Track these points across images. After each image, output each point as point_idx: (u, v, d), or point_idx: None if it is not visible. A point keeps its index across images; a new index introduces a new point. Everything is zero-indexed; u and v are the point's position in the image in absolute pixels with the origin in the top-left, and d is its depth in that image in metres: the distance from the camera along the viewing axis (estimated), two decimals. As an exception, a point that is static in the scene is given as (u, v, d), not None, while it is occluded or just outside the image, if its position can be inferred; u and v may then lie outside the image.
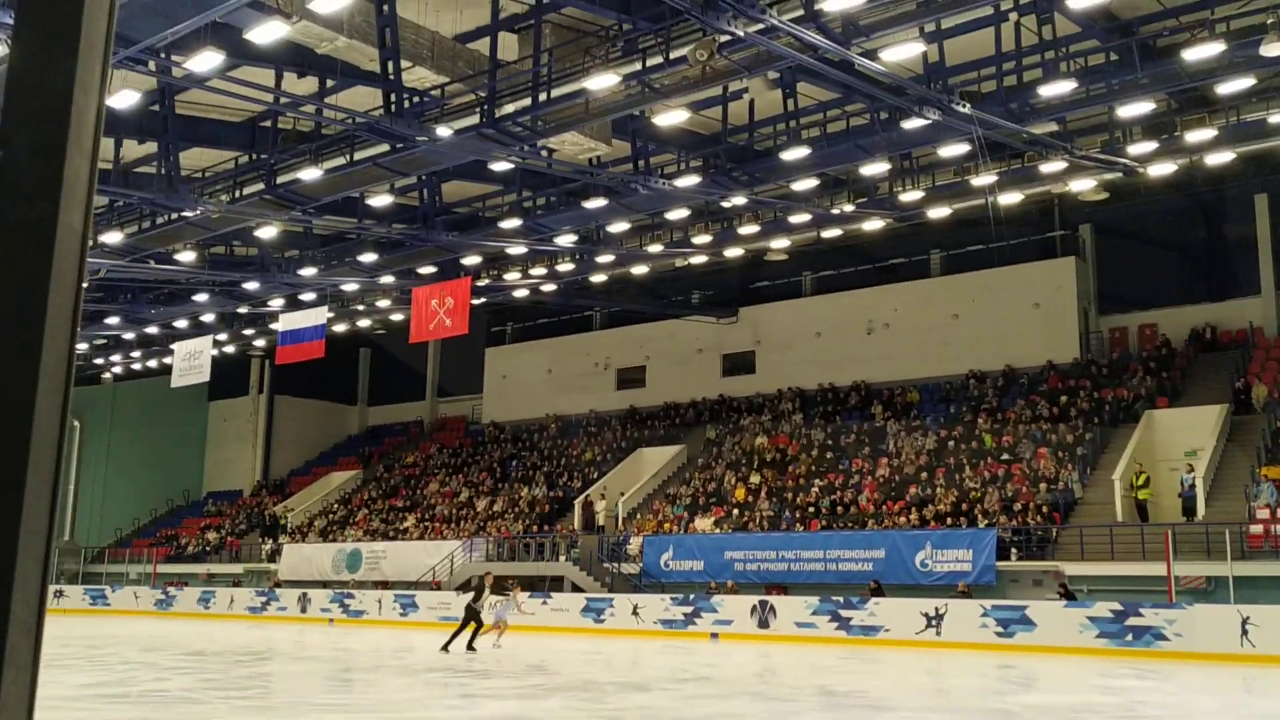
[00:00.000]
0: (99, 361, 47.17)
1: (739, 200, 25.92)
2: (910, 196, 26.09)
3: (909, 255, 37.15)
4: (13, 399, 1.36)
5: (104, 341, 43.18)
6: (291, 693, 16.78)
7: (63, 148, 1.43)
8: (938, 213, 26.85)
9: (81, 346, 42.86)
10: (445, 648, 21.12)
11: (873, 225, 28.31)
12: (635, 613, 27.90)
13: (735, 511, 31.84)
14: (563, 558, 32.45)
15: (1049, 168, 23.92)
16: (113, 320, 38.00)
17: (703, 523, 31.71)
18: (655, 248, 30.75)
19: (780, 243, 30.51)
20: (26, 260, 1.41)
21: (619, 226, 28.63)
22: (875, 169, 24.43)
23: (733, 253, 31.40)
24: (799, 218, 27.64)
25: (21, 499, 1.31)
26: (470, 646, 21.23)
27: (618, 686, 16.71)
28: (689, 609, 27.21)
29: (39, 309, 1.39)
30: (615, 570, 31.40)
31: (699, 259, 32.49)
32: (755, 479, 33.22)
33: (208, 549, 45.17)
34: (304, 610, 35.35)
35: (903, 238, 33.92)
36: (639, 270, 33.62)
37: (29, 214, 1.42)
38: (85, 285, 1.46)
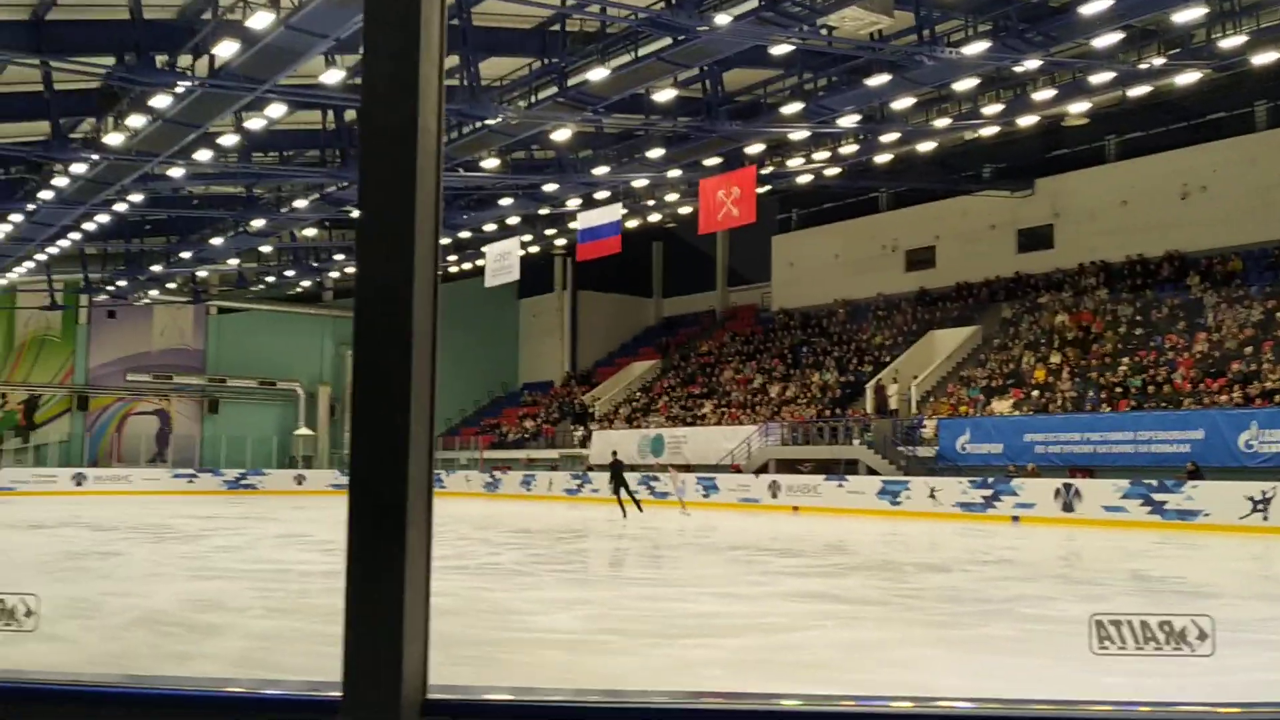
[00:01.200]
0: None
1: (1033, 64, 24.32)
2: (1231, 43, 23.52)
3: (1230, 109, 33.72)
4: (392, 291, 1.61)
5: (422, 248, 46.58)
6: (608, 567, 18.15)
7: (415, 54, 1.58)
8: (1264, 59, 24.14)
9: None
10: (639, 509, 27.75)
11: (1187, 79, 25.81)
12: (932, 495, 27.77)
13: (1035, 393, 30.76)
14: (856, 441, 32.63)
15: (1403, -4, 20.97)
16: (429, 228, 40.92)
17: (1000, 405, 30.87)
18: (942, 122, 29.45)
19: (1080, 106, 28.42)
20: (393, 159, 1.59)
21: (903, 102, 27.60)
22: (1189, 15, 22.18)
23: (1026, 121, 29.55)
24: (1101, 77, 25.60)
25: (410, 376, 1.65)
26: (631, 508, 27.71)
27: (917, 567, 16.89)
28: (988, 492, 26.77)
29: (409, 206, 1.60)
30: (910, 454, 31.26)
31: (989, 130, 30.84)
32: (1056, 359, 31.85)
33: (526, 436, 48.66)
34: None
35: (1222, 90, 30.63)
36: (925, 147, 32.37)
37: (392, 117, 1.59)
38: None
